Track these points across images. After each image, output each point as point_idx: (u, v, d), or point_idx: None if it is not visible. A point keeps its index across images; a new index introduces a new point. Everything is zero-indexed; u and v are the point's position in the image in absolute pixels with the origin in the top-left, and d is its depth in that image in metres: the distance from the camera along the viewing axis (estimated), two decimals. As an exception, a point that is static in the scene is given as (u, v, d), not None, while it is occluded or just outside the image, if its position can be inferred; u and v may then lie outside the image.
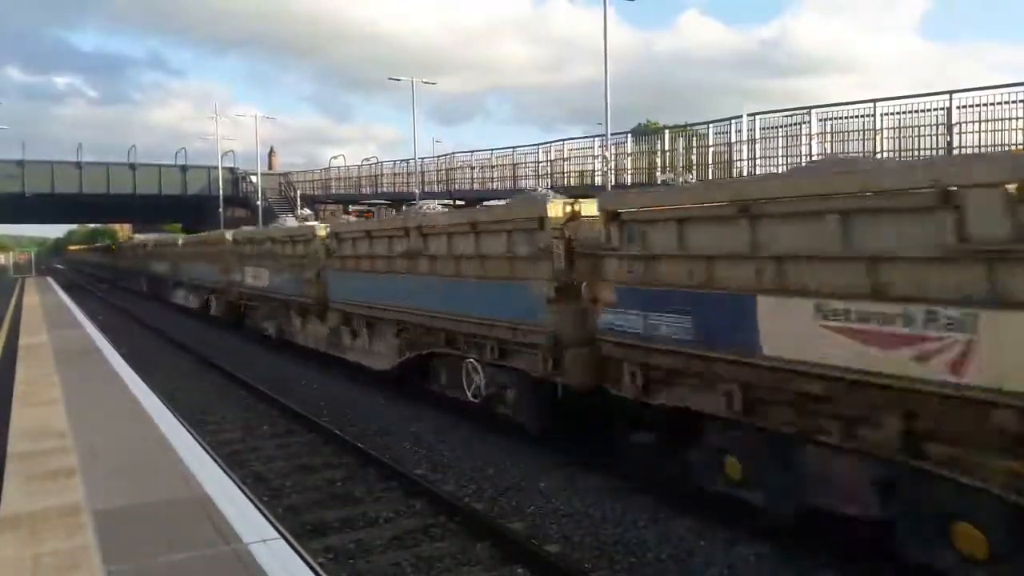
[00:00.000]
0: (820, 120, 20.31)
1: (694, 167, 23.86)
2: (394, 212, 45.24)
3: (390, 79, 41.16)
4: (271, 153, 75.18)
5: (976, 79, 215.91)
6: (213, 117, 55.85)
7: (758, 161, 21.76)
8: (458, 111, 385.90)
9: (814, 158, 19.98)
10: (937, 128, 17.67)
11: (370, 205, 47.80)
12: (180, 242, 29.52)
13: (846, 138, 19.70)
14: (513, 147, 33.47)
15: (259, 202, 50.58)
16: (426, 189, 39.21)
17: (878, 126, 18.75)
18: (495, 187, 34.58)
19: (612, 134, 26.63)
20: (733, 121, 22.94)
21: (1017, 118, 16.30)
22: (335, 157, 52.12)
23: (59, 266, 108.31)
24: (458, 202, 37.00)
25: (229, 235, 21.85)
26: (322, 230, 14.97)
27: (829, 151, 20.03)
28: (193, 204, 56.44)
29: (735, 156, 22.62)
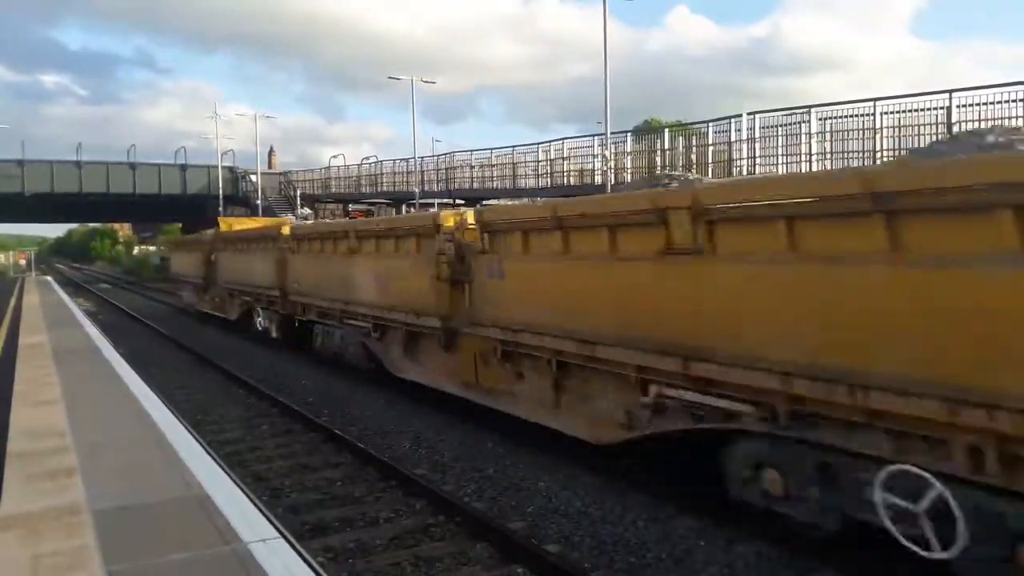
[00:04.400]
0: (819, 119, 20.31)
1: (694, 166, 23.85)
2: (394, 212, 45.33)
3: (390, 78, 41.24)
4: (271, 152, 75.23)
5: (969, 77, 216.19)
6: (206, 116, 56.65)
7: (758, 160, 21.76)
8: (451, 110, 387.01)
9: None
10: (936, 127, 17.68)
11: (370, 204, 47.85)
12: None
13: (845, 137, 19.71)
14: (512, 146, 33.48)
15: (259, 201, 50.62)
16: (426, 188, 39.22)
17: (877, 125, 18.76)
18: (495, 186, 34.59)
19: (612, 133, 26.62)
20: (733, 120, 22.94)
21: (1016, 117, 16.30)
22: (335, 156, 52.23)
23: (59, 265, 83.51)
24: (458, 201, 37.04)
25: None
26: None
27: (830, 150, 20.06)
28: (193, 203, 56.45)
29: (735, 155, 22.62)
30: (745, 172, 21.49)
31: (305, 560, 4.13)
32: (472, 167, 36.61)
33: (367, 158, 50.50)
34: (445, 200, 40.03)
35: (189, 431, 7.09)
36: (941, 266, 4.69)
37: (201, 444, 6.60)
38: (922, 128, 18.05)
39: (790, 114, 21.53)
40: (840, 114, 20.05)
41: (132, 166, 52.99)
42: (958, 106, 17.27)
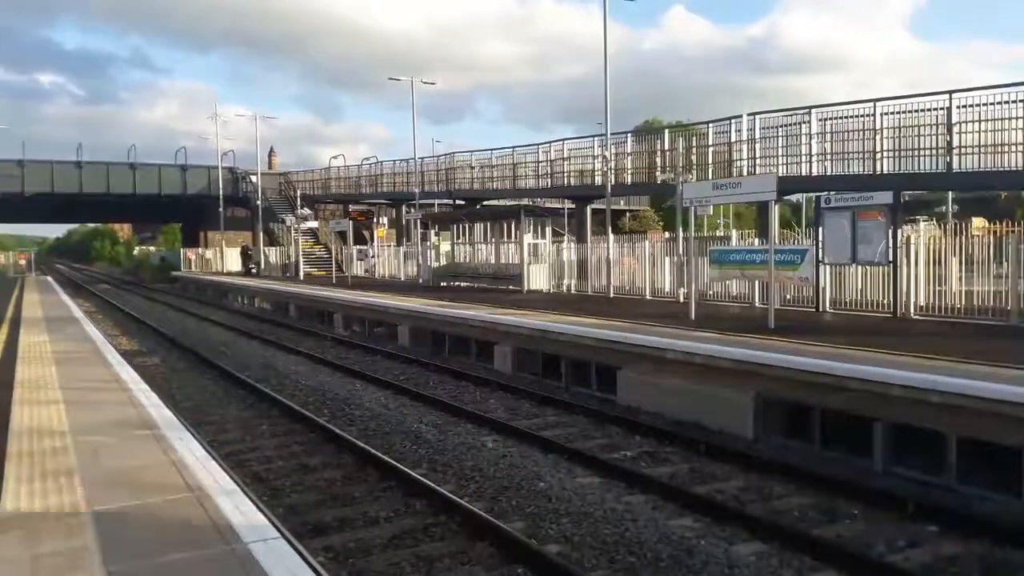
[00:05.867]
0: (820, 120, 20.31)
1: (694, 167, 23.85)
2: (394, 212, 45.39)
3: (390, 79, 41.22)
4: (271, 153, 75.26)
5: (967, 78, 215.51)
6: (204, 116, 56.75)
7: (758, 161, 21.75)
8: (448, 110, 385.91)
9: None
10: (937, 128, 17.69)
11: (370, 205, 47.89)
12: None
13: (846, 138, 19.71)
14: (512, 147, 33.49)
15: (259, 202, 50.65)
16: (426, 189, 39.23)
17: (878, 126, 18.76)
18: (495, 187, 34.61)
19: (612, 134, 26.62)
20: (733, 121, 22.93)
21: (1017, 118, 16.31)
22: (335, 157, 52.23)
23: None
24: (458, 201, 37.05)
25: None
26: None
27: (830, 151, 20.05)
28: (193, 204, 56.49)
29: (735, 156, 22.61)
30: (745, 172, 21.48)
31: (305, 560, 4.12)
32: (472, 168, 36.62)
33: (367, 159, 50.57)
34: (445, 201, 40.04)
35: (190, 431, 7.09)
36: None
37: (201, 444, 6.60)
38: (922, 129, 18.05)
39: (790, 114, 21.51)
40: (840, 115, 20.05)
41: (132, 166, 53.05)
42: (958, 107, 17.29)
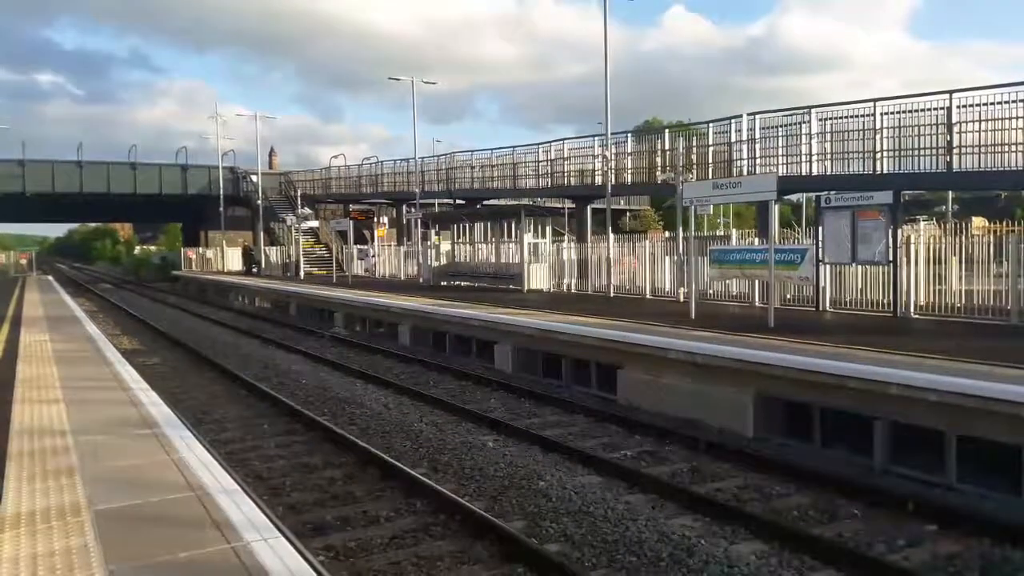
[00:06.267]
0: (820, 120, 20.31)
1: (694, 167, 23.85)
2: (394, 212, 45.38)
3: (390, 79, 41.21)
4: (271, 153, 75.23)
5: (967, 78, 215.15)
6: (204, 116, 56.71)
7: (758, 161, 21.75)
8: (447, 110, 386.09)
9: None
10: (937, 128, 17.69)
11: (370, 204, 47.89)
12: None
13: (846, 138, 19.71)
14: (513, 146, 33.49)
15: (259, 202, 50.65)
16: (426, 188, 39.24)
17: (878, 125, 18.75)
18: (495, 187, 34.61)
19: (612, 133, 26.61)
20: (733, 120, 22.93)
21: (1017, 117, 16.30)
22: (335, 157, 52.20)
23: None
24: (458, 201, 37.05)
25: None
26: None
27: (830, 151, 20.05)
28: (194, 203, 56.49)
29: (735, 155, 22.61)
30: (745, 172, 21.48)
31: (306, 559, 4.13)
32: (472, 167, 36.61)
33: (368, 158, 50.55)
34: (445, 200, 40.04)
35: (190, 430, 7.10)
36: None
37: (202, 443, 6.61)
38: (922, 128, 18.04)
39: (790, 114, 21.51)
40: (840, 115, 20.04)
41: (133, 166, 53.05)
42: (958, 106, 17.28)
